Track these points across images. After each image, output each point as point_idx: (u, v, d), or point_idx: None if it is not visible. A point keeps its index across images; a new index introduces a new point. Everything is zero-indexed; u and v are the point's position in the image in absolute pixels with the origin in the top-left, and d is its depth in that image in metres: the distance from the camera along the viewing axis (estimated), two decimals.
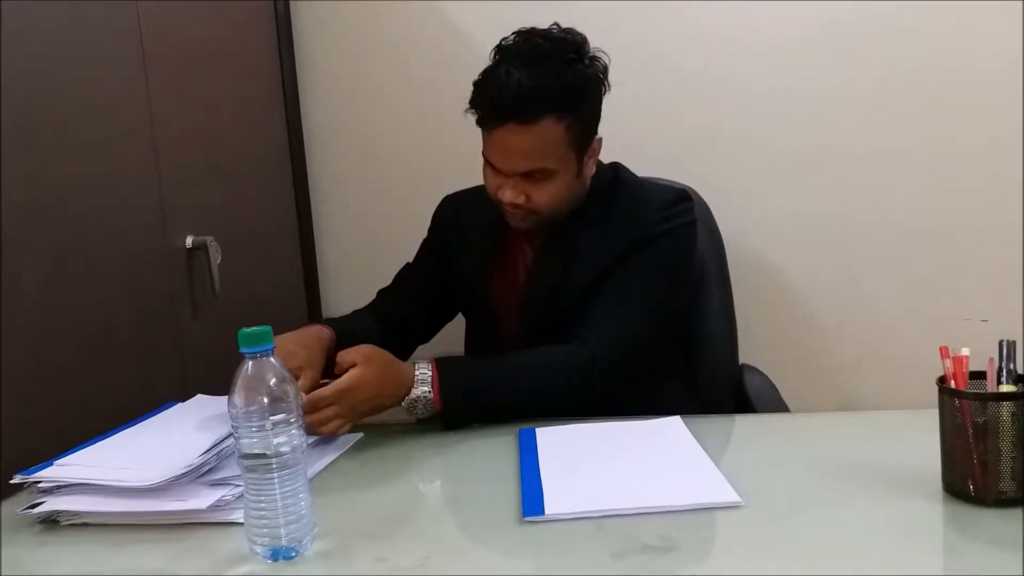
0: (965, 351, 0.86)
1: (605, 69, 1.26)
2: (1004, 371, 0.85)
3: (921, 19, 1.72)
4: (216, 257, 1.50)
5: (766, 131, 1.80)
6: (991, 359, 0.85)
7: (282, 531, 0.79)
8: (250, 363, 0.80)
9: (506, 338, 1.38)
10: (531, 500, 0.90)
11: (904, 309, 1.81)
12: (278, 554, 0.80)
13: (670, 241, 1.31)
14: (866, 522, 0.83)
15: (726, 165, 1.80)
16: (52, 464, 0.96)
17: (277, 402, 0.79)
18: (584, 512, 0.86)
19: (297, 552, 0.80)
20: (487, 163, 1.27)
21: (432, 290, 1.46)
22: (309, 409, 1.06)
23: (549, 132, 1.20)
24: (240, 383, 0.79)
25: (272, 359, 0.81)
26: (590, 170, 1.31)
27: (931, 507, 0.84)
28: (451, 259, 1.44)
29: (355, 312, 1.45)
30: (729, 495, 0.88)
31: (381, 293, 1.49)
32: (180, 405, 1.16)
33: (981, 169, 1.74)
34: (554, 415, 1.18)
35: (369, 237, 1.96)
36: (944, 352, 0.86)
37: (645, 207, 1.31)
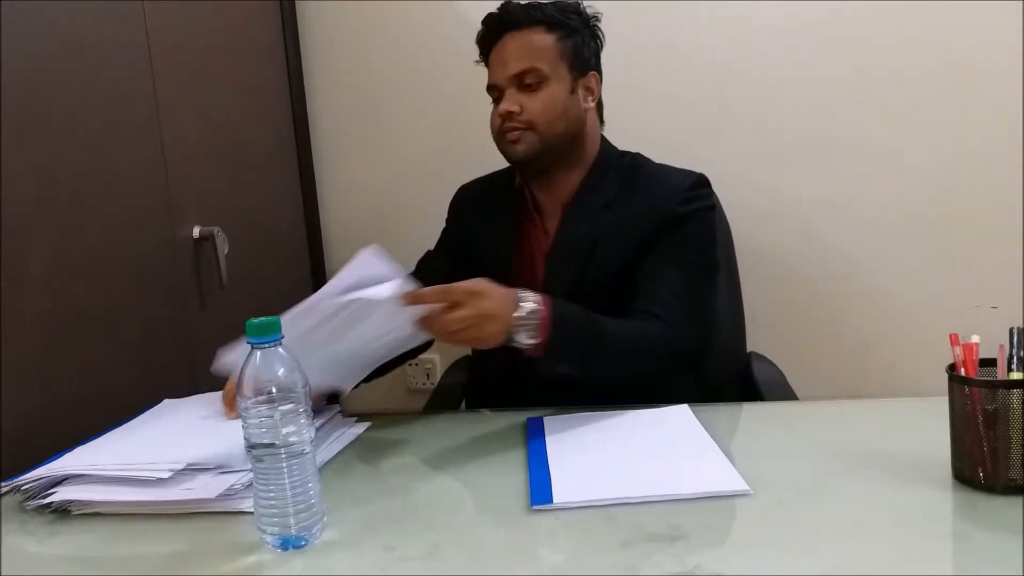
0: (975, 338, 0.86)
1: (596, 16, 1.37)
2: (1015, 358, 0.84)
3: (926, 9, 1.70)
4: (223, 248, 1.50)
5: (774, 119, 1.80)
6: (1001, 346, 0.85)
7: (291, 520, 0.80)
8: (258, 354, 0.80)
9: None
10: (539, 489, 0.90)
11: (913, 296, 1.80)
12: (288, 543, 0.80)
13: (698, 223, 1.32)
14: (875, 509, 0.83)
15: (734, 153, 1.80)
16: (59, 458, 0.97)
17: (285, 392, 0.80)
18: (592, 500, 0.86)
19: (307, 541, 0.81)
20: (492, 99, 1.33)
21: (453, 278, 1.45)
22: (438, 298, 1.02)
23: (540, 38, 1.31)
24: (248, 374, 0.80)
25: (280, 349, 0.81)
26: (587, 106, 1.35)
27: (940, 495, 0.84)
28: (470, 246, 1.44)
29: None
30: (737, 483, 0.88)
31: None
32: (174, 401, 1.18)
33: (990, 156, 1.73)
34: (631, 383, 1.18)
35: (375, 228, 1.97)
36: (954, 339, 0.86)
37: (668, 187, 1.33)
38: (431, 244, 1.50)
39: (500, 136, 1.33)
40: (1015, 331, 0.85)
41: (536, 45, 1.30)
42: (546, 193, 1.38)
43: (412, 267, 1.50)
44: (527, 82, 1.29)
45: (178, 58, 1.45)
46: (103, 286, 1.25)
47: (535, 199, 1.39)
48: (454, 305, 1.03)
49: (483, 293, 1.05)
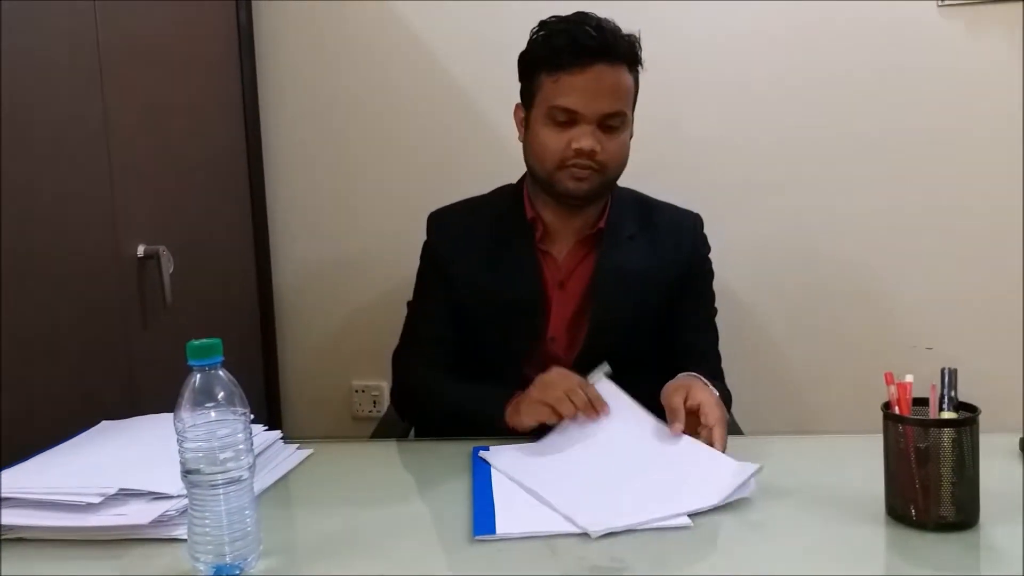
0: (909, 378, 0.88)
1: None
2: (946, 398, 0.87)
3: (918, 19, 1.74)
4: (168, 267, 1.47)
5: (723, 156, 1.84)
6: (933, 386, 0.88)
7: (227, 548, 0.78)
8: (198, 376, 0.79)
9: (547, 350, 1.33)
10: (482, 519, 0.89)
11: (854, 334, 1.85)
12: (222, 571, 0.78)
13: (710, 266, 1.43)
14: (810, 544, 0.84)
15: (681, 188, 1.82)
16: None
17: (224, 416, 0.78)
18: (535, 532, 0.86)
19: (241, 569, 0.79)
20: (549, 124, 1.24)
21: (469, 320, 1.35)
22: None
23: (627, 79, 1.26)
24: (187, 396, 0.78)
25: (221, 372, 0.79)
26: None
27: (874, 530, 0.86)
28: (479, 278, 1.34)
29: (454, 384, 1.31)
30: (679, 516, 0.88)
31: (436, 365, 1.34)
32: (112, 423, 1.14)
33: (930, 203, 1.80)
34: None
35: (325, 248, 1.95)
36: (889, 378, 0.88)
37: (686, 225, 1.41)
38: (385, 267, 1.45)
39: (561, 166, 1.25)
40: (946, 371, 0.88)
41: (625, 87, 1.25)
42: (565, 223, 1.34)
43: (372, 291, 1.47)
44: (611, 124, 1.24)
45: (129, 67, 1.42)
46: (40, 303, 1.21)
47: (546, 229, 1.35)
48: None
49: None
